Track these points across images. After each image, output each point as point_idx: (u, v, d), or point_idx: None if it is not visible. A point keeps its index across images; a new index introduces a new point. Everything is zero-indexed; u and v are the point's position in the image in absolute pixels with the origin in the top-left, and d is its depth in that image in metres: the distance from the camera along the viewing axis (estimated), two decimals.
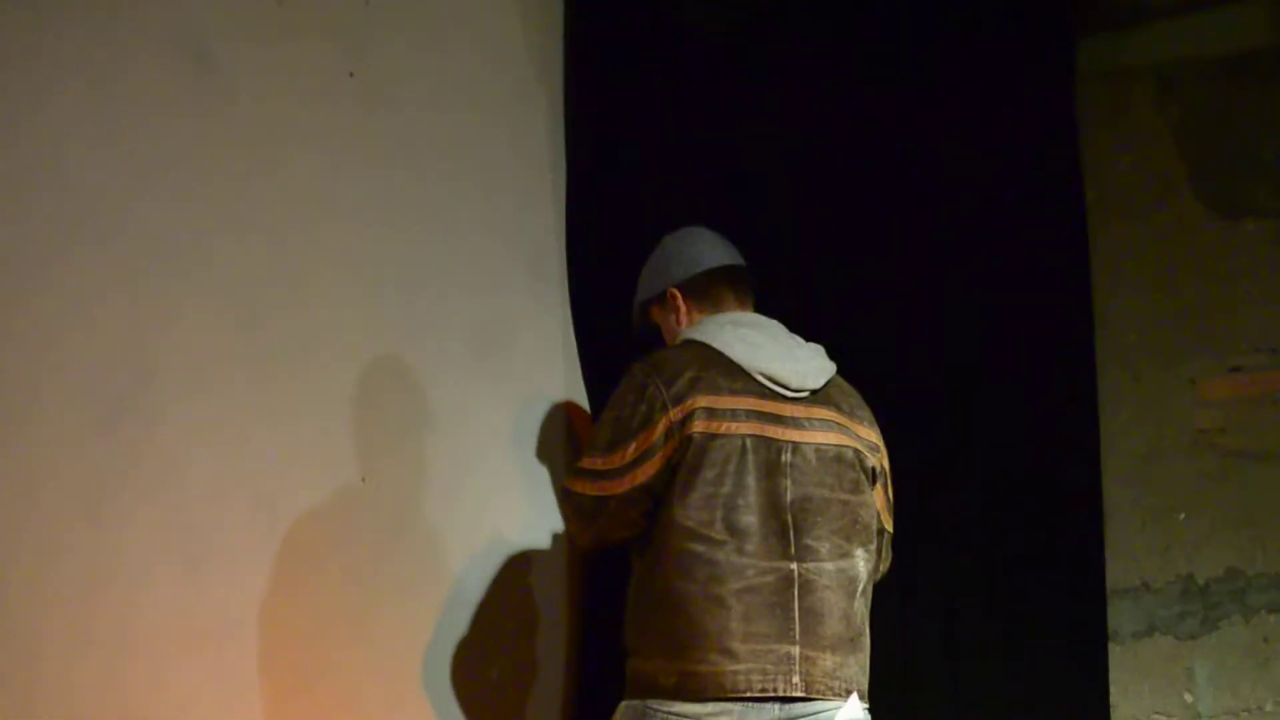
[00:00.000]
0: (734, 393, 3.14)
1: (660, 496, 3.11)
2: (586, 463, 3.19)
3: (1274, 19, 4.16)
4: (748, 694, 3.02)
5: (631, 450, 3.11)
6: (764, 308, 3.38)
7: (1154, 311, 4.20)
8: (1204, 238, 4.20)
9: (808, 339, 3.34)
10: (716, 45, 4.11)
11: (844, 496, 3.17)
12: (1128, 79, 4.27)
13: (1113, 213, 4.23)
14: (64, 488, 2.93)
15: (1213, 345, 4.16)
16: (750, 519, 3.08)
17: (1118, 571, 4.11)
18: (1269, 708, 4.01)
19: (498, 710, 3.68)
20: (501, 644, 3.71)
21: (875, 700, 3.20)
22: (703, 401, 3.11)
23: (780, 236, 3.98)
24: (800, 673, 3.05)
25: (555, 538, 3.81)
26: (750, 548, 3.06)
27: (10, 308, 2.87)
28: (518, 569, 3.74)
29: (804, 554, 3.10)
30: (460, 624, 3.59)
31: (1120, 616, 4.10)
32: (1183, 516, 4.13)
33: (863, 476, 3.21)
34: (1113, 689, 3.99)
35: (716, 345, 3.20)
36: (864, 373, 3.41)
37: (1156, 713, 4.10)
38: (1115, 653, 4.06)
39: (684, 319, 3.36)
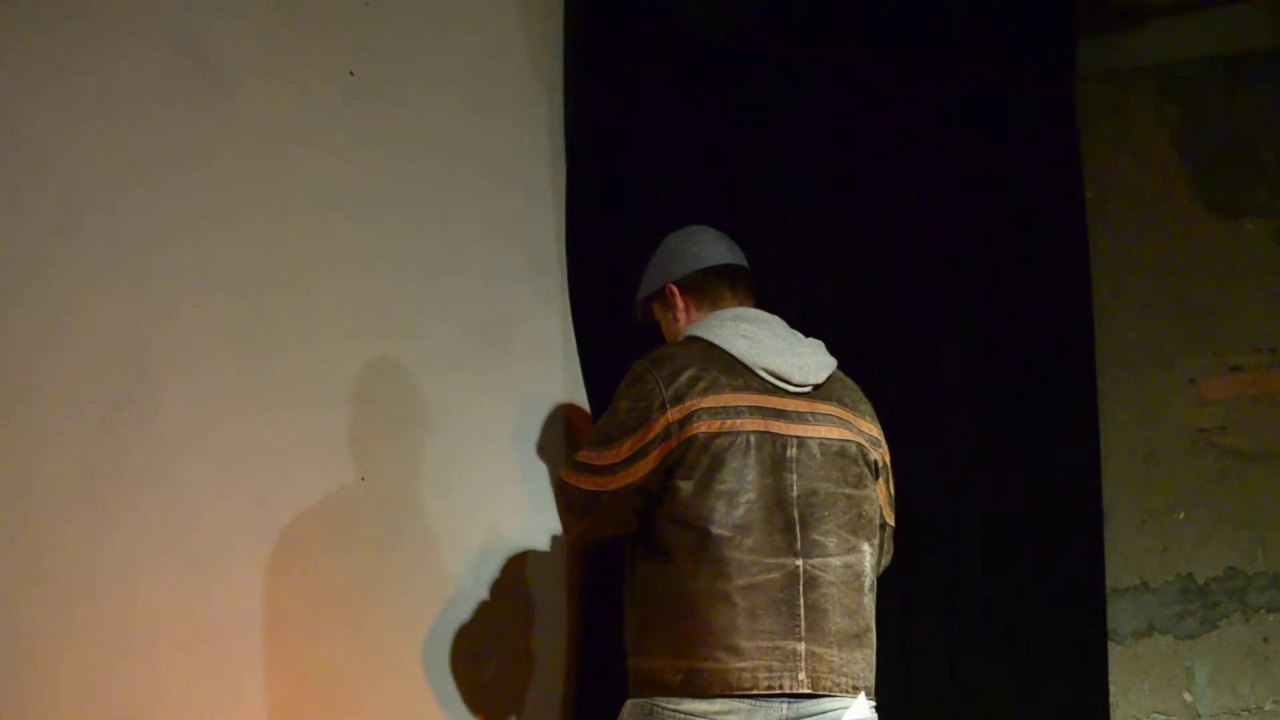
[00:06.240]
0: (736, 390, 3.13)
1: (655, 495, 3.10)
2: (582, 456, 3.18)
3: (1274, 19, 4.16)
4: (754, 691, 3.00)
5: (626, 448, 3.10)
6: (763, 307, 3.37)
7: (1154, 311, 4.21)
8: (1204, 238, 4.20)
9: (807, 337, 3.33)
10: (716, 45, 4.11)
11: (848, 491, 3.15)
12: (1128, 79, 4.28)
13: (1112, 213, 4.24)
14: (61, 483, 2.92)
15: (1213, 345, 4.17)
16: (755, 515, 3.06)
17: (1117, 571, 4.11)
18: (1269, 707, 4.01)
19: (496, 707, 3.67)
20: (500, 641, 3.71)
21: (875, 699, 3.19)
22: (705, 401, 3.09)
23: (779, 235, 3.99)
24: (806, 669, 3.03)
25: (554, 535, 3.80)
26: (755, 544, 3.04)
27: (7, 303, 2.87)
28: (516, 566, 3.73)
29: (810, 549, 3.08)
30: (459, 621, 3.58)
31: (1120, 616, 4.10)
32: (1182, 516, 4.13)
33: (866, 471, 3.20)
34: (1113, 689, 3.99)
35: (719, 342, 3.19)
36: (864, 372, 3.39)
37: (1156, 712, 4.09)
38: (1115, 652, 4.06)
39: (682, 316, 3.35)
